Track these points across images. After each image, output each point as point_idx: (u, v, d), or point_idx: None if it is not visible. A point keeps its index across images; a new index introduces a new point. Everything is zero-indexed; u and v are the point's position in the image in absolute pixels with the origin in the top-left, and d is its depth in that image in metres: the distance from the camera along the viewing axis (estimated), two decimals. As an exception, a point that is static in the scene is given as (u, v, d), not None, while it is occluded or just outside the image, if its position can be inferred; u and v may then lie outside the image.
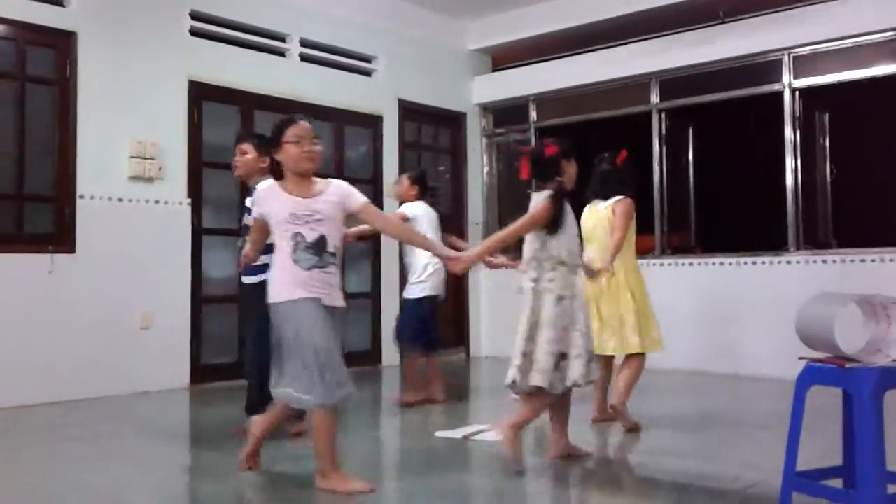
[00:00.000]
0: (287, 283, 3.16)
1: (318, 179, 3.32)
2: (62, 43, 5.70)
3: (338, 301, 3.26)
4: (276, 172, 3.31)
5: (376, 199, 7.70)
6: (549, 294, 3.62)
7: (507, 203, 8.86)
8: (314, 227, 3.18)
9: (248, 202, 3.87)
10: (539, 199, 3.73)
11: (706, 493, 3.23)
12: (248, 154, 4.22)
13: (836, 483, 2.85)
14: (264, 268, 3.56)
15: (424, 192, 5.55)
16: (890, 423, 2.60)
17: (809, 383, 2.72)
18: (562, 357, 3.53)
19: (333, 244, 3.23)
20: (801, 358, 2.82)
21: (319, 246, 3.19)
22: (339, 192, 3.31)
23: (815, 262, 6.49)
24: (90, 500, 3.17)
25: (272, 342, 3.23)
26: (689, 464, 3.81)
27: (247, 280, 4.18)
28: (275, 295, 3.20)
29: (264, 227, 3.35)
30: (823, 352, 2.78)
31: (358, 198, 3.34)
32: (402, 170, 7.92)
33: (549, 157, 3.77)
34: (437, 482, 3.45)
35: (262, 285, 3.39)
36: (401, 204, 5.54)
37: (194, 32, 6.42)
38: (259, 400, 3.84)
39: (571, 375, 3.52)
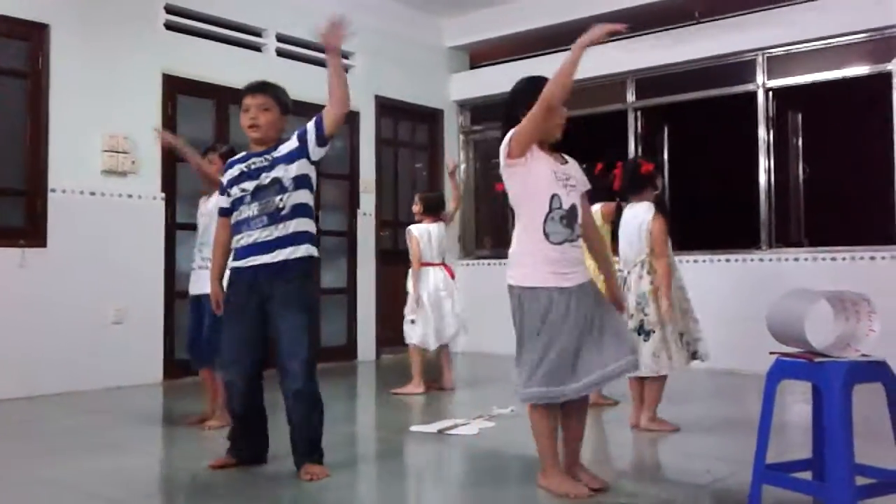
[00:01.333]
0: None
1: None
2: (35, 35, 5.63)
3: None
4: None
5: (352, 194, 7.69)
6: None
7: (483, 199, 8.88)
8: (569, 193, 3.01)
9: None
10: (640, 209, 4.25)
11: (674, 486, 3.27)
12: (268, 111, 3.56)
13: (806, 475, 2.89)
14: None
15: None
16: (858, 416, 2.63)
17: (779, 378, 2.76)
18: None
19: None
20: (771, 353, 2.86)
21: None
22: (579, 168, 3.14)
23: (786, 259, 6.57)
24: (61, 494, 3.14)
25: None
26: (659, 458, 3.85)
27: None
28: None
29: None
30: (794, 347, 2.81)
31: (587, 183, 3.15)
32: (378, 166, 7.93)
33: (644, 174, 4.32)
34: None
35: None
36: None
37: (169, 26, 6.37)
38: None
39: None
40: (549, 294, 2.93)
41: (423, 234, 5.75)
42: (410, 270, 5.76)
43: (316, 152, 3.35)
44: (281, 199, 3.28)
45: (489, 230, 8.89)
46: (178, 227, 6.30)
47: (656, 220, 4.20)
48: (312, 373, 3.30)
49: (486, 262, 8.50)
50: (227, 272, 3.48)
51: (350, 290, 7.64)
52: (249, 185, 3.32)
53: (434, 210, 5.87)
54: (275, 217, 3.28)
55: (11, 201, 5.57)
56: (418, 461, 3.91)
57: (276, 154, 3.33)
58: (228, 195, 3.41)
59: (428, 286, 5.71)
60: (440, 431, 4.25)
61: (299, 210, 3.32)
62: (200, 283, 4.24)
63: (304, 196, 3.35)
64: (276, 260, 3.27)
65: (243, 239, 3.34)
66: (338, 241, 7.65)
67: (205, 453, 3.64)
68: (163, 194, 6.20)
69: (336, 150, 7.75)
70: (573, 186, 3.02)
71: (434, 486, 3.38)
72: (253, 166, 3.34)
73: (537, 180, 2.98)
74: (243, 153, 3.49)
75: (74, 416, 4.84)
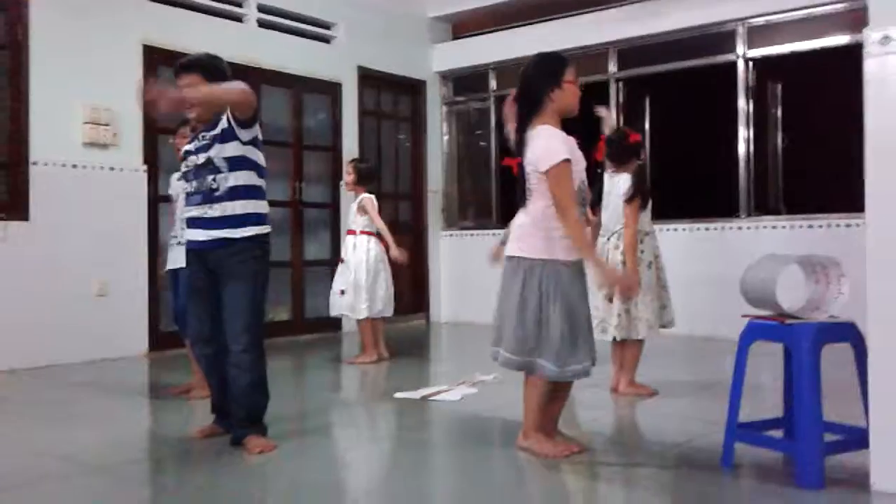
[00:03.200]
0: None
1: None
2: (13, 6, 5.57)
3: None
4: None
5: (336, 166, 7.70)
6: (641, 264, 4.22)
7: (466, 171, 8.92)
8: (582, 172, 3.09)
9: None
10: (622, 179, 4.26)
11: (650, 446, 3.36)
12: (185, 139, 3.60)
13: (778, 434, 2.99)
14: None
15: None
16: (827, 377, 2.72)
17: (751, 339, 2.84)
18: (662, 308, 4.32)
19: None
20: (744, 315, 2.94)
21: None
22: None
23: (764, 227, 6.66)
24: (49, 462, 3.18)
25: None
26: (637, 420, 3.95)
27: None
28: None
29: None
30: (766, 310, 2.90)
31: None
32: (361, 138, 7.94)
33: (633, 144, 4.38)
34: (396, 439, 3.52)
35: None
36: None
37: (150, -4, 6.33)
38: None
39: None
40: (564, 267, 3.01)
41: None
42: (357, 239, 5.68)
43: (243, 134, 3.28)
44: (214, 180, 3.25)
45: (472, 201, 8.93)
46: (160, 200, 6.29)
47: (627, 191, 4.26)
48: (255, 343, 3.28)
49: (469, 232, 8.55)
50: (180, 248, 3.56)
51: (334, 262, 7.65)
52: (190, 162, 3.34)
53: (368, 180, 5.81)
54: (208, 196, 3.27)
55: (-7, 174, 5.56)
56: (402, 425, 3.98)
57: (213, 132, 3.29)
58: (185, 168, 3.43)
59: (377, 257, 5.70)
60: (424, 398, 4.32)
61: (240, 192, 3.27)
62: (174, 258, 4.31)
63: (245, 178, 3.29)
64: (213, 237, 3.27)
65: (187, 211, 3.38)
66: (321, 214, 7.67)
67: (190, 422, 3.70)
68: (145, 166, 6.19)
69: (318, 121, 7.76)
70: (583, 167, 3.12)
71: (416, 448, 3.45)
72: (196, 144, 3.34)
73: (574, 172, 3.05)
74: (190, 130, 3.50)
75: (59, 388, 4.88)
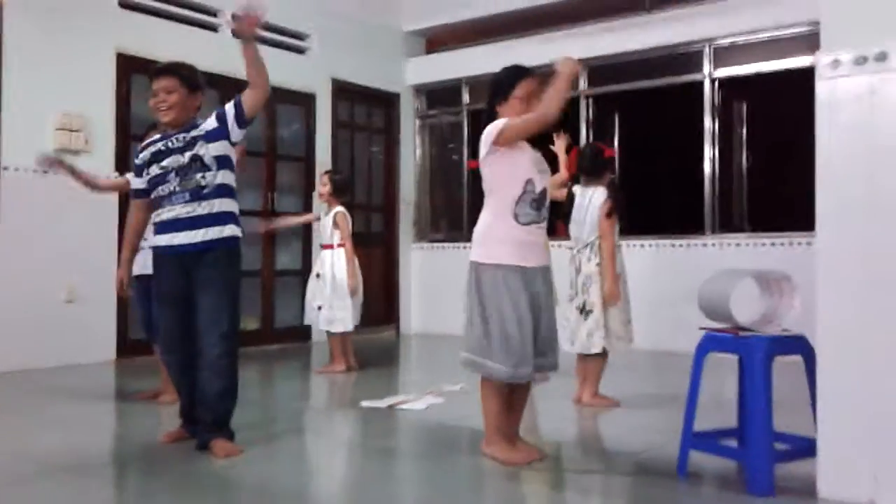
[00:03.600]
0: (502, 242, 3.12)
1: None
2: (-14, 10, 5.59)
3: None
4: None
5: (309, 177, 7.74)
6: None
7: (438, 184, 9.00)
8: (542, 179, 3.16)
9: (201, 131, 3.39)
10: (597, 193, 4.37)
11: (609, 455, 3.44)
12: (173, 93, 3.40)
13: (733, 443, 3.08)
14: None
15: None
16: (780, 390, 2.82)
17: (707, 350, 2.93)
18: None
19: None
20: (701, 328, 3.03)
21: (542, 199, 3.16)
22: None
23: (728, 244, 6.81)
24: (18, 464, 3.19)
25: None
26: (598, 430, 4.03)
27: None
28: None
29: None
30: (722, 322, 2.99)
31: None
32: (334, 149, 7.99)
33: (607, 158, 4.52)
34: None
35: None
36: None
37: (123, 4, 6.36)
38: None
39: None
40: (510, 271, 3.09)
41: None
42: (334, 253, 5.69)
43: (236, 133, 3.35)
44: (203, 177, 3.30)
45: (444, 214, 9.01)
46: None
47: (606, 205, 4.35)
48: (230, 348, 3.32)
49: (440, 245, 8.62)
50: (150, 252, 3.55)
51: (305, 273, 7.69)
52: (170, 163, 3.33)
53: (343, 192, 5.86)
54: (196, 194, 3.30)
55: (-38, 178, 5.54)
56: (368, 433, 4.03)
57: (194, 133, 3.33)
58: (146, 174, 3.41)
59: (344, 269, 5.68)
60: (390, 407, 4.38)
61: (223, 190, 3.34)
62: (144, 263, 4.33)
63: (227, 177, 3.36)
64: (198, 240, 3.30)
65: (164, 213, 3.35)
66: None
67: (158, 426, 3.73)
68: (116, 173, 6.19)
69: (292, 132, 7.80)
70: (544, 171, 3.19)
71: (382, 455, 3.50)
72: (171, 145, 3.35)
73: (516, 167, 3.13)
74: (159, 134, 3.47)
75: (28, 393, 4.87)
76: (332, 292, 5.66)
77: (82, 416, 4.26)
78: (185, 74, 3.42)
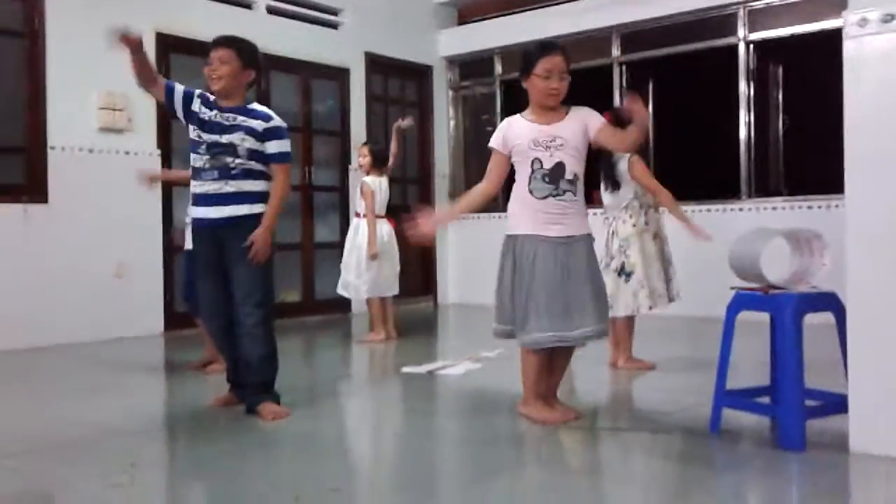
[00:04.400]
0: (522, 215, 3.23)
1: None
2: (29, -5, 5.75)
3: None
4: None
5: (344, 150, 7.85)
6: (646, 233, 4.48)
7: (473, 155, 9.05)
8: (553, 153, 3.22)
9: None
10: (623, 158, 4.39)
11: (642, 414, 3.51)
12: (226, 64, 3.45)
13: (765, 401, 3.13)
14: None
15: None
16: (813, 352, 2.86)
17: (738, 309, 2.99)
18: None
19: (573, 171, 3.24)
20: (732, 287, 3.08)
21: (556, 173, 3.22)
22: (582, 117, 3.28)
23: (765, 208, 6.78)
24: (77, 428, 3.36)
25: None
26: (632, 392, 4.10)
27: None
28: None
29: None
30: (753, 282, 3.04)
31: (597, 120, 3.29)
32: (369, 123, 8.08)
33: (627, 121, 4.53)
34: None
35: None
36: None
37: (161, -16, 6.48)
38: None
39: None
40: (534, 241, 3.18)
41: (377, 187, 5.82)
42: (361, 222, 5.83)
43: (266, 155, 3.47)
44: (233, 161, 3.40)
45: (479, 185, 9.05)
46: (174, 183, 6.45)
47: (638, 163, 4.39)
48: (266, 316, 3.45)
49: (475, 216, 8.67)
50: (190, 223, 3.67)
51: (343, 244, 7.81)
52: (205, 137, 3.42)
53: (383, 163, 5.94)
54: (224, 173, 3.40)
55: (12, 159, 5.73)
56: (408, 396, 4.15)
57: (240, 120, 3.42)
58: (184, 114, 3.48)
59: (383, 238, 5.81)
60: (429, 372, 4.49)
61: (253, 174, 3.44)
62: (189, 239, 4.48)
63: (257, 165, 3.45)
64: (226, 215, 3.41)
65: (197, 187, 3.48)
66: (330, 197, 7.84)
67: (207, 393, 3.88)
68: (158, 150, 6.36)
69: (327, 107, 7.90)
70: (560, 146, 3.22)
71: (422, 416, 3.62)
72: (214, 119, 3.43)
73: (518, 153, 3.24)
74: (211, 98, 3.51)
75: (80, 365, 5.07)
76: (351, 259, 5.82)
77: (133, 384, 4.44)
78: (241, 48, 3.49)
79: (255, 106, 3.52)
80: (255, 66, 3.53)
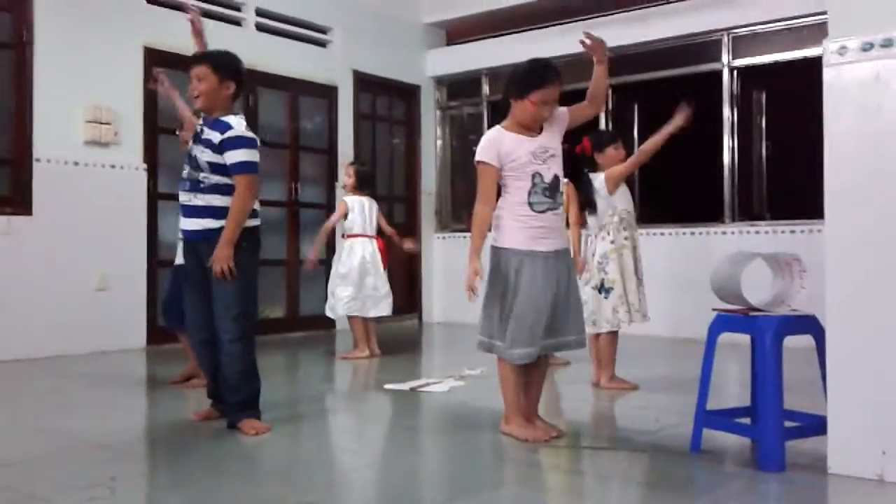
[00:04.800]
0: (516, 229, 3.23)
1: None
2: (19, 7, 5.75)
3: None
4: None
5: (331, 168, 7.87)
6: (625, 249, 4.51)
7: (460, 175, 9.09)
8: (550, 166, 3.23)
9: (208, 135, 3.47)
10: (598, 178, 4.52)
11: (624, 433, 3.53)
12: (203, 81, 3.49)
13: (746, 421, 3.16)
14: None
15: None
16: (793, 373, 2.89)
17: (719, 330, 3.02)
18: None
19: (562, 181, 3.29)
20: (714, 309, 3.11)
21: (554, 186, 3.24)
22: (557, 121, 3.29)
23: (748, 232, 6.85)
24: (52, 440, 3.33)
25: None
26: (615, 411, 4.12)
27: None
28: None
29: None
30: (735, 304, 3.07)
31: (562, 110, 3.31)
32: (357, 141, 8.11)
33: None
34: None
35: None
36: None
37: (151, 0, 6.50)
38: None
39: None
40: (525, 256, 3.21)
41: (354, 205, 5.84)
42: (354, 242, 5.84)
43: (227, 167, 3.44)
44: (199, 174, 3.42)
45: (465, 204, 9.10)
46: (159, 197, 6.46)
47: (610, 175, 4.49)
48: (243, 331, 3.42)
49: (462, 234, 8.71)
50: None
51: (328, 262, 7.83)
52: (191, 148, 3.50)
53: (367, 183, 5.97)
54: (194, 186, 3.43)
55: (-3, 170, 5.72)
56: (391, 413, 4.14)
57: (205, 132, 3.45)
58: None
59: (355, 258, 5.82)
60: (412, 389, 4.50)
61: (220, 188, 3.42)
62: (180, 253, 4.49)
63: (223, 179, 3.43)
64: (198, 228, 3.43)
65: (180, 197, 3.54)
66: (316, 214, 7.84)
67: (188, 407, 3.87)
68: (144, 165, 6.36)
69: (315, 124, 7.93)
70: (552, 157, 3.26)
71: (405, 432, 3.62)
72: (198, 132, 3.51)
73: (517, 167, 3.23)
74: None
75: (61, 378, 5.03)
76: (338, 279, 5.86)
77: (114, 398, 4.40)
78: (217, 62, 3.51)
79: (227, 118, 3.47)
80: (235, 78, 3.52)
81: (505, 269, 3.23)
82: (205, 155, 3.41)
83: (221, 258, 3.35)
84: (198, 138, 3.48)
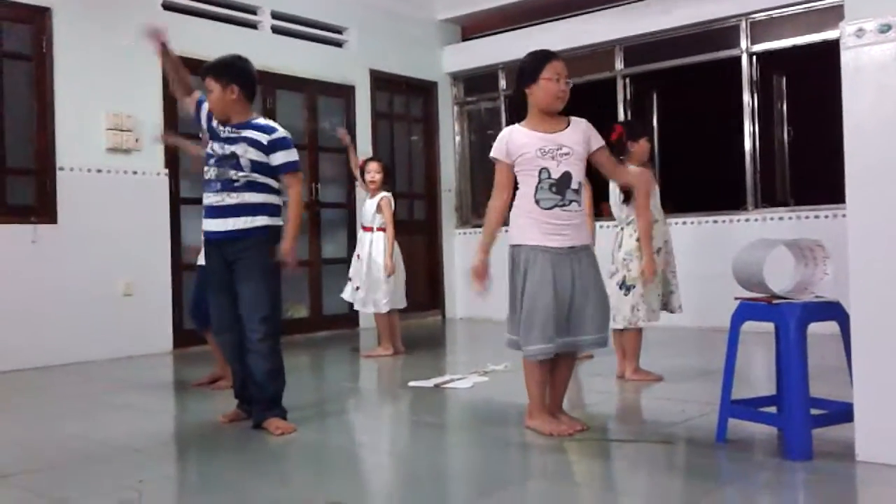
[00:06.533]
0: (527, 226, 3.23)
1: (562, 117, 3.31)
2: (37, 19, 5.82)
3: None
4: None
5: (349, 168, 7.87)
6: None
7: (479, 170, 9.08)
8: (560, 162, 3.22)
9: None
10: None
11: (649, 424, 3.51)
12: (211, 92, 3.55)
13: (771, 410, 3.13)
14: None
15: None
16: (819, 361, 2.86)
17: (742, 319, 2.99)
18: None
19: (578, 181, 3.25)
20: (736, 298, 3.09)
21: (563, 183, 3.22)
22: (583, 129, 3.31)
23: (771, 219, 6.79)
24: (84, 445, 3.38)
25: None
26: (640, 403, 4.10)
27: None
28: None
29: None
30: (757, 292, 3.05)
31: (599, 139, 3.34)
32: (375, 139, 8.13)
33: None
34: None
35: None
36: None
37: (167, 6, 6.55)
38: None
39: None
40: (536, 252, 3.20)
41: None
42: (374, 236, 5.83)
43: (273, 167, 3.52)
44: (235, 173, 3.44)
45: (485, 200, 9.06)
46: (182, 202, 6.52)
47: (642, 175, 4.41)
48: (272, 331, 3.47)
49: (481, 230, 8.69)
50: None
51: (350, 260, 7.85)
52: (217, 150, 3.51)
53: (391, 179, 6.04)
54: (227, 186, 3.45)
55: (22, 180, 5.79)
56: (416, 409, 4.15)
57: (244, 132, 3.48)
58: (210, 130, 3.59)
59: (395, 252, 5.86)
60: (436, 385, 4.51)
61: (256, 186, 3.47)
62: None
63: (262, 177, 3.48)
64: (228, 228, 3.45)
65: (204, 199, 3.56)
66: (337, 213, 7.89)
67: (216, 409, 3.90)
68: (166, 170, 6.42)
69: (333, 124, 7.95)
70: (566, 155, 3.23)
71: (430, 428, 3.63)
72: (222, 133, 3.52)
73: (524, 162, 3.24)
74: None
75: (89, 383, 5.10)
76: (368, 274, 5.80)
77: (142, 402, 4.46)
78: (216, 71, 3.55)
79: (260, 120, 3.58)
80: (238, 79, 3.53)
81: (518, 265, 3.25)
82: (249, 153, 3.45)
83: (289, 251, 3.47)
84: (230, 140, 3.48)
